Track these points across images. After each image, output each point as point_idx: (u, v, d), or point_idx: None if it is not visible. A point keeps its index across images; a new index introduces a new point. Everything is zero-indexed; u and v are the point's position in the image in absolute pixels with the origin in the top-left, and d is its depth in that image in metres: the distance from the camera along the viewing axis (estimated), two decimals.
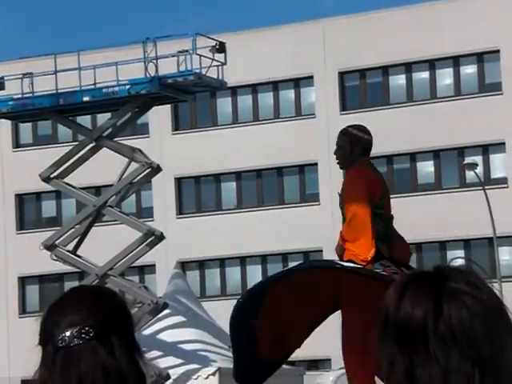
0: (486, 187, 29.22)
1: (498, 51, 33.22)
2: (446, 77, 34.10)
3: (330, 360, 32.26)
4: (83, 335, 1.68)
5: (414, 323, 1.51)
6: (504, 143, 33.33)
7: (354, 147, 6.37)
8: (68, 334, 1.67)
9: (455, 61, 33.76)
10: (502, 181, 33.30)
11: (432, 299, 1.52)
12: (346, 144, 6.38)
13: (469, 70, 33.81)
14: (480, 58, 33.54)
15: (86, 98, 20.49)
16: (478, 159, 31.67)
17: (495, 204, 29.39)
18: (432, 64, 33.94)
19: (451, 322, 1.51)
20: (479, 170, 30.35)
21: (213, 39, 21.58)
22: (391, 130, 33.50)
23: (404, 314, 1.52)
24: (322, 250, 34.84)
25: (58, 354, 1.68)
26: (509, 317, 1.55)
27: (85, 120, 25.49)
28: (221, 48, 21.18)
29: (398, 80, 34.48)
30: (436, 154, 33.48)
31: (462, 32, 32.98)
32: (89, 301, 1.71)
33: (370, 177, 6.36)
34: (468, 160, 30.13)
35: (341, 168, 6.53)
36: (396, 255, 6.26)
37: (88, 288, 1.76)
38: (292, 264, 37.62)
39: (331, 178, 35.03)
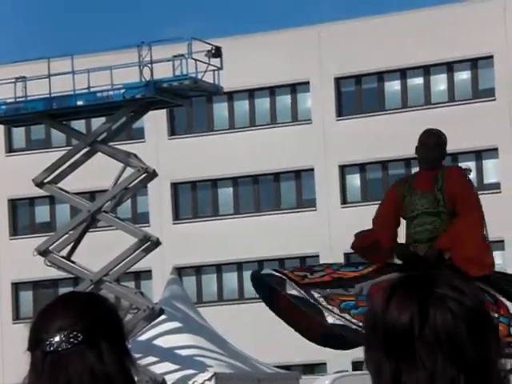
0: (479, 192, 29.18)
1: (491, 57, 33.32)
2: (440, 83, 34.18)
3: (325, 364, 32.21)
4: (71, 340, 1.67)
5: (400, 328, 1.53)
6: (497, 149, 33.41)
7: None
8: (56, 338, 1.67)
9: (449, 67, 33.86)
10: (495, 186, 33.40)
11: (418, 304, 1.54)
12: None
13: (463, 76, 33.92)
14: (474, 64, 33.65)
15: (79, 103, 20.42)
16: (472, 164, 31.74)
17: (488, 209, 29.28)
18: (426, 70, 34.02)
19: (436, 326, 1.53)
20: (472, 175, 30.36)
21: (209, 44, 21.52)
22: (386, 136, 33.53)
23: (390, 318, 1.54)
24: (318, 256, 34.78)
25: (46, 359, 1.67)
26: (493, 321, 1.57)
27: (79, 124, 25.40)
28: (217, 53, 21.14)
29: (393, 86, 34.55)
30: None
31: (456, 38, 33.08)
32: (78, 306, 1.70)
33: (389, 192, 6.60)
34: (462, 165, 30.15)
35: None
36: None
37: (78, 294, 1.75)
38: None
39: (328, 184, 35.00)
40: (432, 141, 6.53)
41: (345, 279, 6.16)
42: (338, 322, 5.95)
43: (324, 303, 6.05)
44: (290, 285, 6.07)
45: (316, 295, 6.09)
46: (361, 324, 5.93)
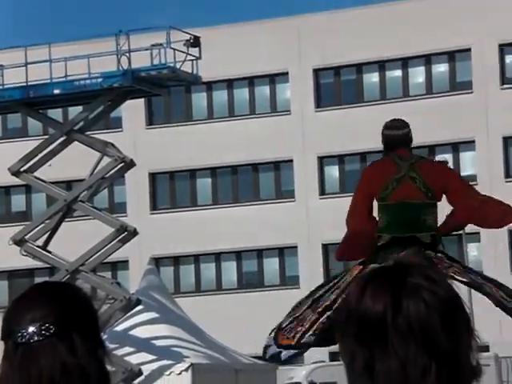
0: None
1: (469, 50, 33.45)
2: (418, 75, 34.29)
3: (302, 355, 32.23)
4: (43, 332, 1.66)
5: (373, 317, 1.56)
6: (474, 141, 33.60)
7: (385, 146, 6.51)
8: (29, 330, 1.66)
9: (427, 59, 33.98)
10: (472, 178, 33.57)
11: (391, 294, 1.56)
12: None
13: (440, 68, 34.06)
14: (451, 56, 33.79)
15: (56, 91, 20.28)
16: (449, 156, 31.90)
17: None
18: (405, 62, 34.11)
19: (409, 316, 1.55)
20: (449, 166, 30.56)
21: (187, 33, 21.43)
22: (365, 128, 33.59)
23: (364, 308, 1.56)
24: (296, 247, 34.83)
25: (18, 350, 1.66)
26: (465, 311, 1.58)
27: (56, 113, 25.25)
28: (195, 42, 21.05)
29: (372, 78, 34.62)
30: None
31: (433, 31, 33.20)
32: (51, 297, 1.68)
33: (371, 175, 6.39)
34: (439, 157, 30.35)
35: None
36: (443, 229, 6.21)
37: (51, 284, 1.73)
38: (266, 260, 37.25)
39: (306, 175, 35.01)
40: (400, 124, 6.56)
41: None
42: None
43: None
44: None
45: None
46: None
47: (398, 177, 6.34)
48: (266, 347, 6.45)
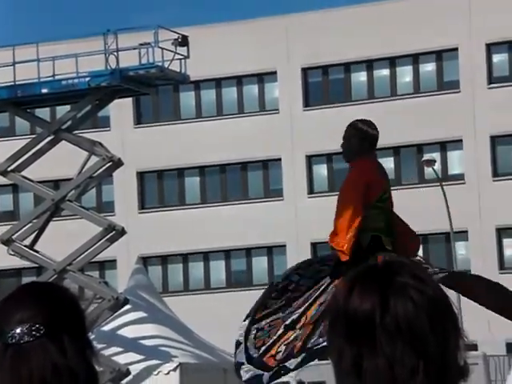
0: (443, 183, 29.56)
1: (456, 49, 33.56)
2: (405, 74, 34.37)
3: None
4: (33, 332, 1.65)
5: (361, 316, 1.56)
6: (461, 140, 33.71)
7: (362, 142, 6.38)
8: (18, 331, 1.65)
9: (415, 59, 34.07)
10: (459, 177, 33.73)
11: (379, 293, 1.57)
12: (353, 137, 6.41)
13: (428, 68, 34.16)
14: (439, 56, 33.89)
15: (44, 90, 20.23)
16: (436, 156, 32.02)
17: (452, 200, 29.73)
18: (392, 62, 34.19)
19: (397, 315, 1.56)
20: (437, 166, 30.70)
21: (175, 32, 21.42)
22: None
23: (352, 307, 1.57)
24: (285, 245, 34.84)
25: (7, 351, 1.66)
26: (453, 310, 1.58)
27: (43, 112, 25.20)
28: (183, 41, 21.04)
29: (360, 77, 34.68)
30: (396, 151, 33.78)
31: (421, 30, 33.29)
32: (40, 298, 1.68)
33: (372, 176, 6.39)
34: (426, 156, 30.45)
35: (345, 161, 6.57)
36: (398, 251, 6.26)
37: (39, 285, 1.72)
38: (255, 259, 37.27)
39: (295, 174, 35.03)
40: None
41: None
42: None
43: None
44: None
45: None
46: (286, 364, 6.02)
47: (388, 186, 6.49)
48: (240, 365, 6.38)
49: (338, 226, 6.31)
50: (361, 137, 6.39)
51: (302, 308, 6.17)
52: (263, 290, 6.52)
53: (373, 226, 6.30)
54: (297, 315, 6.18)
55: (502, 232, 33.32)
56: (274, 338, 6.22)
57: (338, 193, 6.75)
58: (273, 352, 6.21)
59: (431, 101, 33.69)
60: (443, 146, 33.88)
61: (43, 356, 1.64)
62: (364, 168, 6.37)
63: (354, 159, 6.41)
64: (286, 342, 6.18)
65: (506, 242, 33.42)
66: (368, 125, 6.53)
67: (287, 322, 6.25)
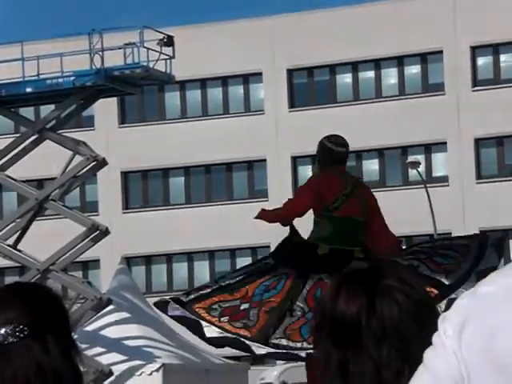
0: (427, 185, 29.65)
1: (441, 52, 33.68)
2: (390, 76, 34.47)
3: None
4: (17, 333, 1.64)
5: (348, 319, 1.56)
6: (446, 142, 33.84)
7: (321, 156, 6.76)
8: (2, 331, 1.65)
9: (400, 61, 34.16)
10: (443, 179, 33.84)
11: (365, 296, 1.57)
12: (317, 152, 6.85)
13: (413, 70, 34.26)
14: (424, 58, 34.00)
15: (29, 90, 20.17)
16: (421, 158, 32.11)
17: (436, 202, 29.83)
18: (377, 64, 34.27)
19: (383, 318, 1.56)
20: (421, 168, 30.80)
21: (161, 32, 21.40)
22: (337, 128, 33.60)
23: (339, 309, 1.57)
24: (269, 246, 34.84)
25: None
26: (438, 313, 1.57)
27: (28, 112, 25.11)
28: (169, 41, 21.03)
29: (345, 79, 34.75)
30: (380, 153, 33.87)
31: (406, 32, 33.40)
32: (24, 298, 1.66)
33: (319, 187, 6.65)
34: (411, 158, 30.53)
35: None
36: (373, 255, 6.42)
37: (23, 285, 1.71)
38: (239, 260, 37.24)
39: (280, 175, 35.05)
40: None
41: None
42: (214, 334, 6.08)
43: (204, 314, 6.17)
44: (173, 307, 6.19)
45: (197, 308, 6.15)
46: (241, 333, 6.06)
47: (346, 192, 6.65)
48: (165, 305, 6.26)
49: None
50: (322, 152, 6.77)
51: (241, 277, 6.29)
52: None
53: (317, 236, 6.54)
54: (234, 281, 6.23)
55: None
56: (204, 292, 6.26)
57: None
58: (203, 305, 6.26)
59: (416, 103, 33.79)
60: (428, 148, 33.99)
61: (27, 357, 1.63)
62: (311, 182, 6.76)
63: (315, 173, 6.87)
64: (221, 303, 6.25)
65: None
66: (333, 141, 6.81)
67: (222, 284, 6.38)
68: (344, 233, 6.51)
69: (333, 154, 6.69)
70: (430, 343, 1.49)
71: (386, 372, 1.54)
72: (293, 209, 6.73)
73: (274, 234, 38.09)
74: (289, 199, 6.99)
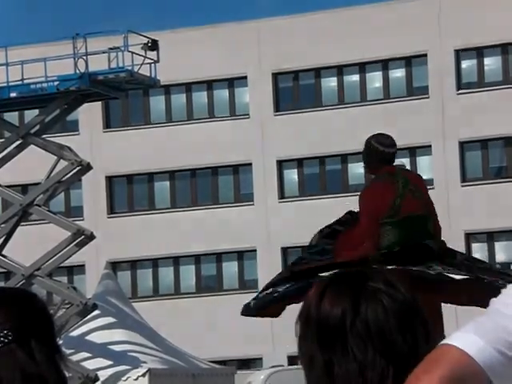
0: None
1: (425, 55, 33.78)
2: (375, 80, 34.55)
3: (261, 359, 32.30)
4: (2, 338, 1.65)
5: (333, 322, 1.56)
6: (430, 146, 33.91)
7: (368, 158, 6.38)
8: None
9: (384, 65, 34.24)
10: (428, 182, 33.80)
11: (350, 298, 1.57)
12: (364, 152, 6.44)
13: (397, 73, 34.35)
14: (408, 62, 34.09)
15: (13, 94, 20.12)
16: (406, 161, 32.17)
17: None
18: (362, 67, 34.34)
19: (367, 320, 1.56)
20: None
21: (145, 36, 21.38)
22: (323, 132, 33.73)
23: (324, 312, 1.57)
24: (255, 250, 34.82)
25: None
26: (423, 314, 1.58)
27: (12, 116, 25.02)
28: (153, 46, 21.00)
29: (330, 82, 34.79)
30: None
31: (390, 36, 33.47)
32: (7, 303, 1.65)
33: (374, 196, 6.34)
34: (396, 162, 30.47)
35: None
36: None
37: (7, 290, 1.70)
38: (225, 264, 37.14)
39: (265, 179, 35.04)
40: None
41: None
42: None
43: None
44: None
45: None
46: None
47: (399, 194, 6.37)
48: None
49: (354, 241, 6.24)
50: (368, 153, 6.41)
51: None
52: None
53: (387, 244, 6.24)
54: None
55: (470, 237, 33.54)
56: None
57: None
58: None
59: (400, 106, 33.86)
60: (412, 152, 34.05)
61: (12, 362, 1.62)
62: (367, 192, 6.38)
63: (371, 176, 6.52)
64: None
65: (474, 246, 33.64)
66: (381, 142, 6.52)
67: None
68: (411, 232, 6.21)
69: (381, 156, 6.40)
70: (414, 345, 1.52)
71: (371, 373, 1.54)
72: (369, 241, 6.22)
73: (260, 239, 38.23)
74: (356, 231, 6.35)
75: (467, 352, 1.38)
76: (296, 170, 35.02)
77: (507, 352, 1.38)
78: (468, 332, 1.41)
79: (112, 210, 35.68)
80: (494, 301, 1.44)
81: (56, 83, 20.02)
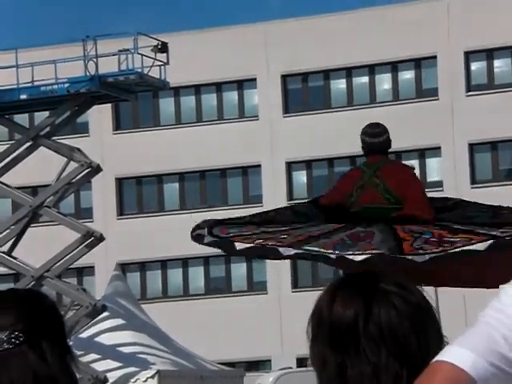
0: None
1: (435, 57, 33.74)
2: (384, 82, 34.51)
3: (270, 361, 32.29)
4: (13, 340, 1.64)
5: (345, 324, 1.56)
6: (440, 147, 33.85)
7: (363, 151, 6.42)
8: None
9: (394, 66, 34.21)
10: (438, 184, 33.85)
11: (362, 300, 1.57)
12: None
13: (407, 75, 34.31)
14: (417, 63, 34.05)
15: (23, 96, 20.17)
16: (415, 163, 32.11)
17: None
18: (371, 69, 34.31)
19: (380, 322, 1.56)
20: (416, 173, 30.76)
21: (155, 39, 21.43)
22: (332, 133, 33.73)
23: (336, 314, 1.56)
24: None
25: None
26: (435, 317, 1.59)
27: (22, 118, 25.10)
28: (163, 48, 21.05)
29: (339, 84, 34.78)
30: None
31: (400, 38, 33.44)
32: (19, 304, 1.66)
33: (339, 184, 6.38)
34: (406, 163, 30.51)
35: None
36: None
37: (18, 291, 1.71)
38: (234, 265, 37.26)
39: (274, 180, 35.05)
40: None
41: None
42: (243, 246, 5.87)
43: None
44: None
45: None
46: (269, 243, 5.80)
47: (361, 183, 6.32)
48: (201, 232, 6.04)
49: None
50: (361, 147, 6.44)
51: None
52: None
53: None
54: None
55: None
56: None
57: None
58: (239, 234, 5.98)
59: (410, 108, 33.82)
60: (422, 154, 34.02)
61: (24, 363, 1.63)
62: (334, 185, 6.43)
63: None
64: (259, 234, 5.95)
65: None
66: (365, 131, 6.49)
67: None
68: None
69: (369, 147, 6.37)
70: (427, 347, 1.52)
71: (384, 376, 1.54)
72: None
73: None
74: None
75: (461, 367, 1.37)
76: (305, 172, 35.02)
77: (500, 364, 1.37)
78: (460, 346, 1.40)
79: (122, 212, 35.74)
80: (482, 312, 1.43)
81: (66, 85, 20.08)
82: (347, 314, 1.56)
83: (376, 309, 1.56)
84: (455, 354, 1.39)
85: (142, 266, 35.39)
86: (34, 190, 30.95)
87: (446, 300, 29.51)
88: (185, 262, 35.19)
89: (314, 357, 1.58)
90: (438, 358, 1.40)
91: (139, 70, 20.65)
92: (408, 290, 1.58)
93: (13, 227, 20.40)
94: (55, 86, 20.17)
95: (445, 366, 1.39)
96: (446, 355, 1.40)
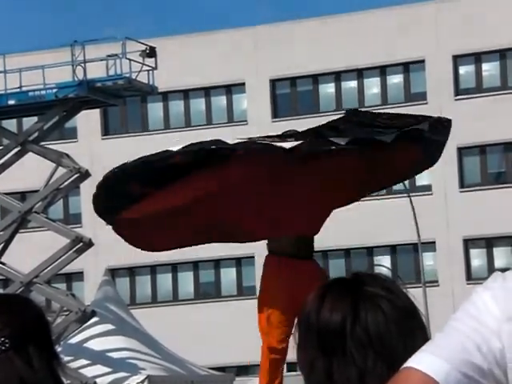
0: (411, 194, 29.76)
1: (423, 61, 33.84)
2: (373, 86, 34.59)
3: (259, 366, 32.25)
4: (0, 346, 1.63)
5: (333, 327, 1.56)
6: None
7: None
8: None
9: (382, 70, 34.29)
10: (427, 188, 33.94)
11: (350, 304, 1.57)
12: None
13: (395, 79, 34.40)
14: (406, 67, 34.14)
15: (11, 102, 20.14)
16: None
17: (420, 211, 29.92)
18: (360, 73, 34.38)
19: (367, 325, 1.56)
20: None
21: (143, 43, 21.41)
22: None
23: (324, 318, 1.57)
24: (253, 257, 34.84)
25: None
26: (422, 320, 1.59)
27: (10, 124, 25.04)
28: (151, 53, 21.04)
29: (328, 89, 34.84)
30: None
31: (388, 42, 33.53)
32: (5, 311, 1.65)
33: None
34: None
35: None
36: None
37: (5, 297, 1.70)
38: (223, 270, 37.24)
39: None
40: None
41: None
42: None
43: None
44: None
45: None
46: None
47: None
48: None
49: None
50: None
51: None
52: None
53: None
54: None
55: (469, 243, 33.55)
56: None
57: None
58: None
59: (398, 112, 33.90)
60: None
61: (10, 369, 1.62)
62: None
63: None
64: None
65: (472, 252, 33.65)
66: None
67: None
68: None
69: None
70: (414, 351, 1.49)
71: (371, 379, 1.54)
72: None
73: (257, 245, 37.99)
74: None
75: (434, 378, 1.32)
76: None
77: (473, 374, 1.32)
78: (432, 354, 1.35)
79: None
80: (454, 315, 1.38)
81: (54, 90, 20.04)
82: (335, 319, 1.56)
83: (363, 312, 1.56)
84: (428, 362, 1.34)
85: (131, 272, 35.32)
86: (22, 195, 30.86)
87: (434, 300, 29.54)
88: (174, 267, 35.15)
89: (302, 360, 1.58)
90: (410, 363, 1.36)
91: (127, 75, 20.64)
92: (395, 294, 1.58)
93: (1, 233, 20.34)
94: (43, 92, 20.13)
95: (415, 373, 1.34)
96: (417, 362, 1.35)
